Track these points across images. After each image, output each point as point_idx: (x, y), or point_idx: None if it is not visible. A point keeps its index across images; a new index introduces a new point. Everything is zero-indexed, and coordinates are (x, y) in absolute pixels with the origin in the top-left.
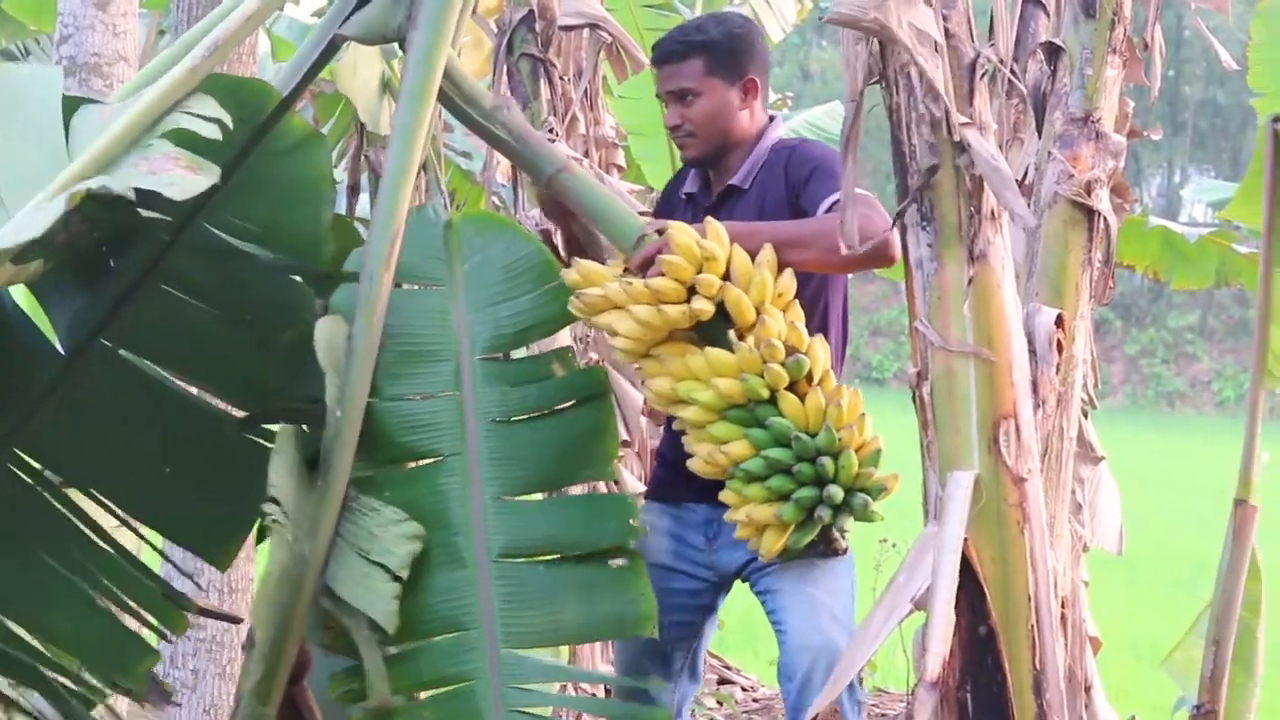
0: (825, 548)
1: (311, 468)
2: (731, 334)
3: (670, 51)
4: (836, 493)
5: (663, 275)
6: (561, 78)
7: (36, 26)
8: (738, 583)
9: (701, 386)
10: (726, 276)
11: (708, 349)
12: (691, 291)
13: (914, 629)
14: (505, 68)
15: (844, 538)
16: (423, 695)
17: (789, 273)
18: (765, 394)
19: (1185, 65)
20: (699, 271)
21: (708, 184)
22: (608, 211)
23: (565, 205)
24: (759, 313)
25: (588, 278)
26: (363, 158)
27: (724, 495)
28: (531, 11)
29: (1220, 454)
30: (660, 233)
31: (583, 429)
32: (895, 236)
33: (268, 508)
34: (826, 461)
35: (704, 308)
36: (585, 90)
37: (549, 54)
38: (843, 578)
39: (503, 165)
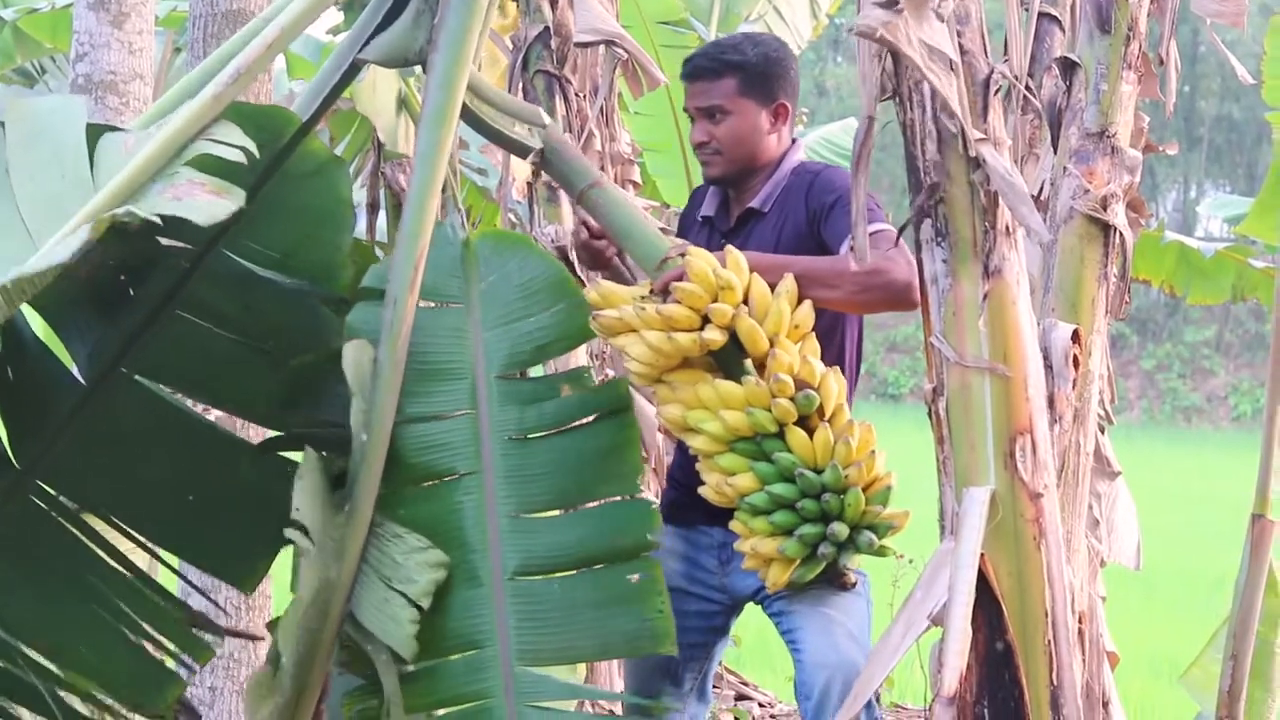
0: (834, 582)
1: (334, 491)
2: (748, 363)
3: (703, 68)
4: (841, 530)
5: (677, 302)
6: (577, 94)
7: (53, 45)
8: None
9: (710, 417)
10: (746, 305)
11: (717, 380)
12: (706, 320)
13: (931, 644)
14: (521, 84)
15: (853, 573)
16: (439, 713)
17: (807, 305)
18: (772, 428)
19: (1201, 80)
20: (714, 300)
21: (725, 206)
22: (635, 231)
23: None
24: (772, 345)
25: (606, 298)
26: (379, 175)
27: (733, 525)
28: (547, 28)
29: (1237, 469)
30: (684, 257)
31: (603, 445)
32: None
33: (291, 533)
34: (831, 498)
35: (714, 337)
36: (601, 107)
37: (564, 70)
38: (858, 598)
39: (518, 181)
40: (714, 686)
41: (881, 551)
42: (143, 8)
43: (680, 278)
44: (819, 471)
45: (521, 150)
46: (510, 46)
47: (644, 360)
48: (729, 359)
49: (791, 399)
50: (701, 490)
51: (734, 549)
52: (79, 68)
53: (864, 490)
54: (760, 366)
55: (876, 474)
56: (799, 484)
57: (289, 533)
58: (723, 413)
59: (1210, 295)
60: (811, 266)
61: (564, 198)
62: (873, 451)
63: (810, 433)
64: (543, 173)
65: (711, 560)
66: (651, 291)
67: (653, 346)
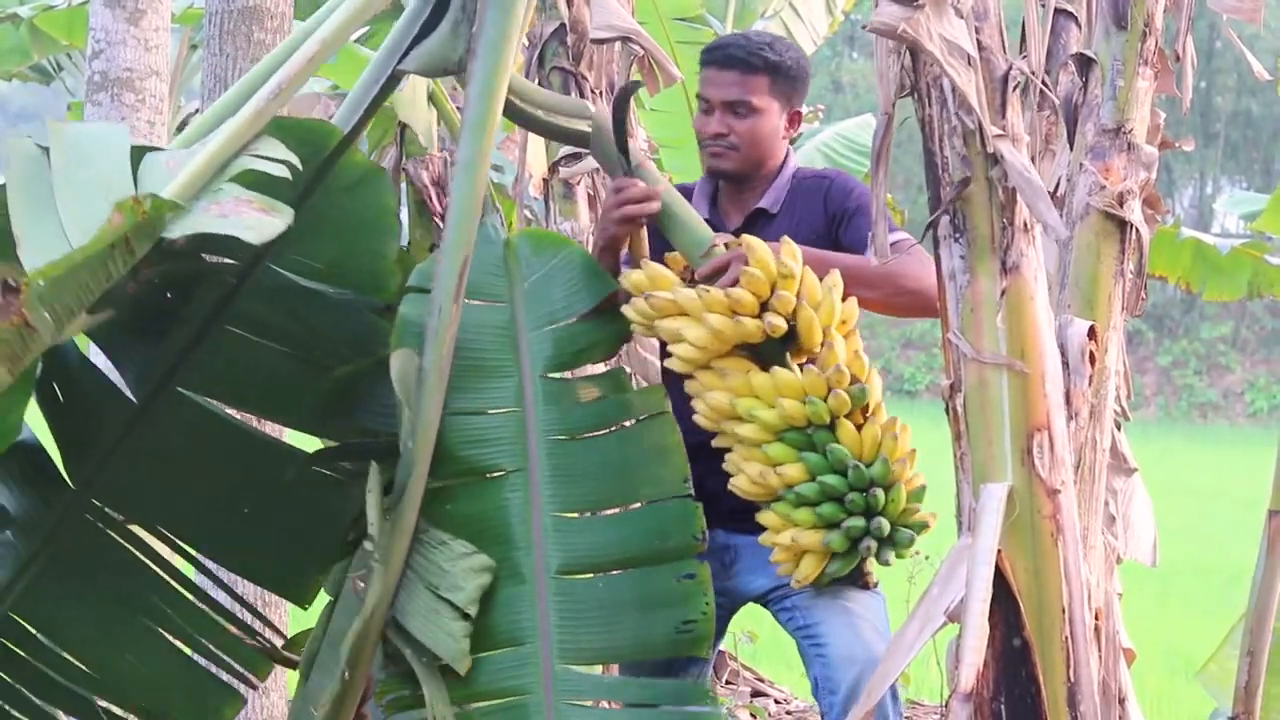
0: (856, 581)
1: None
2: (788, 356)
3: (738, 59)
4: (884, 525)
5: (737, 286)
6: (593, 90)
7: (69, 42)
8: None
9: (763, 405)
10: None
11: (775, 368)
12: (763, 307)
13: (948, 641)
14: (537, 81)
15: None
16: (476, 706)
17: (853, 301)
18: (827, 419)
19: (1217, 76)
20: (773, 287)
21: (715, 207)
22: (680, 215)
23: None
24: (826, 337)
25: (654, 281)
26: (402, 171)
27: (765, 517)
28: (563, 25)
29: (1253, 465)
30: (728, 246)
31: (647, 447)
32: None
33: (367, 545)
34: (879, 493)
35: (779, 324)
36: None
37: (580, 67)
38: (876, 595)
39: (534, 178)
40: (729, 683)
41: (904, 554)
42: (159, 5)
43: (740, 260)
44: (868, 465)
45: (586, 142)
46: (526, 43)
47: (700, 344)
48: (769, 350)
49: (847, 391)
50: (734, 482)
51: (741, 547)
52: (95, 65)
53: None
54: (804, 358)
55: (914, 473)
56: (850, 476)
57: (367, 545)
58: (781, 401)
59: (1226, 292)
60: (856, 265)
61: (579, 194)
62: (912, 450)
63: (857, 428)
64: (559, 169)
65: (714, 564)
66: (693, 277)
67: (714, 329)
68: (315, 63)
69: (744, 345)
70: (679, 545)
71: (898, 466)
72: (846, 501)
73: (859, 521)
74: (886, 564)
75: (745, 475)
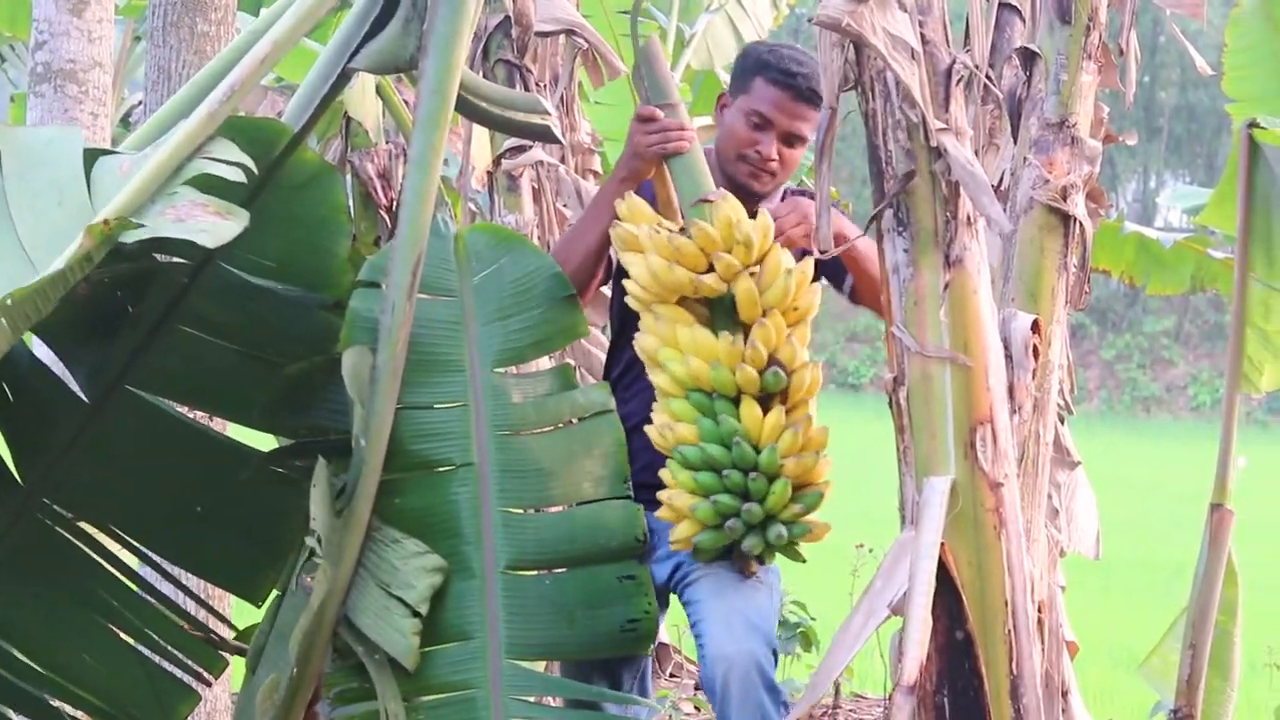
0: (736, 563)
1: (336, 496)
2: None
3: (816, 96)
4: (756, 513)
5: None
6: (538, 83)
7: (12, 33)
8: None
9: (678, 358)
10: (758, 269)
11: (696, 326)
12: (713, 267)
13: (891, 634)
14: (481, 74)
15: (761, 562)
16: (425, 699)
17: (815, 293)
18: (730, 392)
19: (1161, 71)
20: (728, 251)
21: None
22: (690, 160)
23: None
24: (765, 315)
25: (632, 213)
26: (347, 163)
27: (662, 472)
28: (508, 17)
29: (1196, 458)
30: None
31: (591, 446)
32: None
33: (310, 542)
34: (759, 479)
35: (710, 284)
36: (561, 96)
37: (525, 60)
38: (762, 586)
39: (478, 170)
40: (673, 675)
41: (789, 551)
42: None
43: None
44: (758, 450)
45: (545, 136)
46: (471, 36)
47: (641, 283)
48: (720, 314)
49: (760, 371)
50: (647, 428)
51: (654, 533)
52: (38, 56)
53: (796, 487)
54: (749, 333)
55: (814, 477)
56: (734, 453)
57: (308, 541)
58: (689, 358)
59: (1170, 286)
60: (866, 243)
61: (524, 186)
62: (819, 453)
63: (766, 412)
64: (503, 161)
65: None
66: (682, 230)
67: (651, 271)
68: (267, 64)
69: (697, 300)
70: (621, 546)
71: (790, 462)
72: (725, 476)
73: (730, 501)
74: (757, 557)
75: (655, 424)
